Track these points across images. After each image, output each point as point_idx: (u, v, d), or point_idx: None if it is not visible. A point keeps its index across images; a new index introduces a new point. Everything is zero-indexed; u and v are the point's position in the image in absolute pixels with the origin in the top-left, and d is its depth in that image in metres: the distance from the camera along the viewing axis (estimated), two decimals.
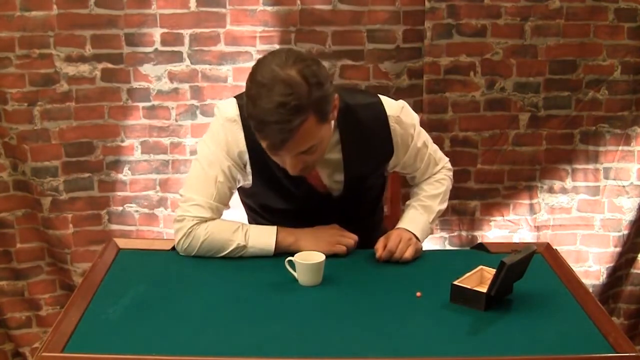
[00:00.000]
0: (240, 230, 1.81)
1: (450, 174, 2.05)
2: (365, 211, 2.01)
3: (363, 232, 1.89)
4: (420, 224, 1.90)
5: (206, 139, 1.86)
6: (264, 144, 1.65)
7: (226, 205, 1.88)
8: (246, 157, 1.82)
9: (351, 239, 1.85)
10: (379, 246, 1.81)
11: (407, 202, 2.00)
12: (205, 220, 1.81)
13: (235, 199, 1.98)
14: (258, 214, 1.98)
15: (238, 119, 1.79)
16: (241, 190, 1.97)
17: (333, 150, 1.83)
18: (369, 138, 1.85)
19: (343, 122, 1.81)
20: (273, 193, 1.88)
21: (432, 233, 2.01)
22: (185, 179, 1.96)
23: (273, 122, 1.57)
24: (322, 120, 1.64)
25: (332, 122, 1.73)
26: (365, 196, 1.98)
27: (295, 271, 1.67)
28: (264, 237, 1.81)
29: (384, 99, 1.89)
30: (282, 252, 1.78)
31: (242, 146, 1.80)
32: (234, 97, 1.85)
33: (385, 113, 1.86)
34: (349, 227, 1.88)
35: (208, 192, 1.82)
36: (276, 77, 1.58)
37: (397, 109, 1.88)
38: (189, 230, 1.80)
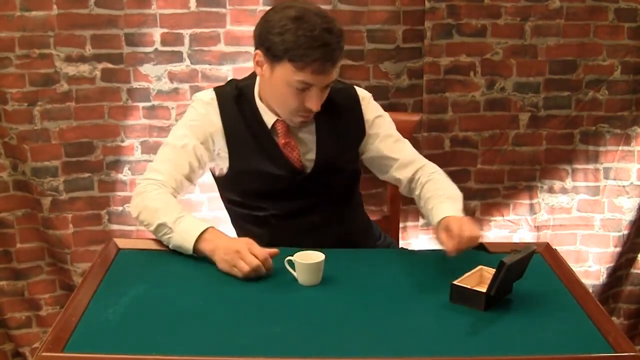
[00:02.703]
0: (175, 213, 1.76)
1: (441, 171, 2.00)
2: (338, 196, 1.97)
3: (339, 225, 1.93)
4: (457, 210, 1.81)
5: (177, 124, 1.93)
6: (308, 70, 1.70)
7: (184, 177, 1.87)
8: (220, 138, 1.87)
9: (249, 264, 1.64)
10: (444, 239, 1.69)
11: (430, 206, 1.85)
12: (159, 183, 1.83)
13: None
14: (238, 208, 1.97)
15: (214, 101, 1.88)
16: (219, 184, 1.99)
17: (307, 130, 1.90)
18: (341, 119, 1.91)
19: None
20: (249, 174, 1.90)
21: None
22: None
23: (327, 40, 1.69)
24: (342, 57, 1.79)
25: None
26: (337, 179, 1.95)
27: (294, 271, 1.67)
28: (190, 230, 1.73)
29: (357, 87, 2.01)
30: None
31: (217, 126, 1.87)
32: (212, 88, 1.94)
33: (358, 95, 1.97)
34: (323, 214, 1.89)
35: (165, 159, 1.87)
36: (309, 9, 1.73)
37: (368, 94, 2.00)
38: (140, 190, 1.83)
